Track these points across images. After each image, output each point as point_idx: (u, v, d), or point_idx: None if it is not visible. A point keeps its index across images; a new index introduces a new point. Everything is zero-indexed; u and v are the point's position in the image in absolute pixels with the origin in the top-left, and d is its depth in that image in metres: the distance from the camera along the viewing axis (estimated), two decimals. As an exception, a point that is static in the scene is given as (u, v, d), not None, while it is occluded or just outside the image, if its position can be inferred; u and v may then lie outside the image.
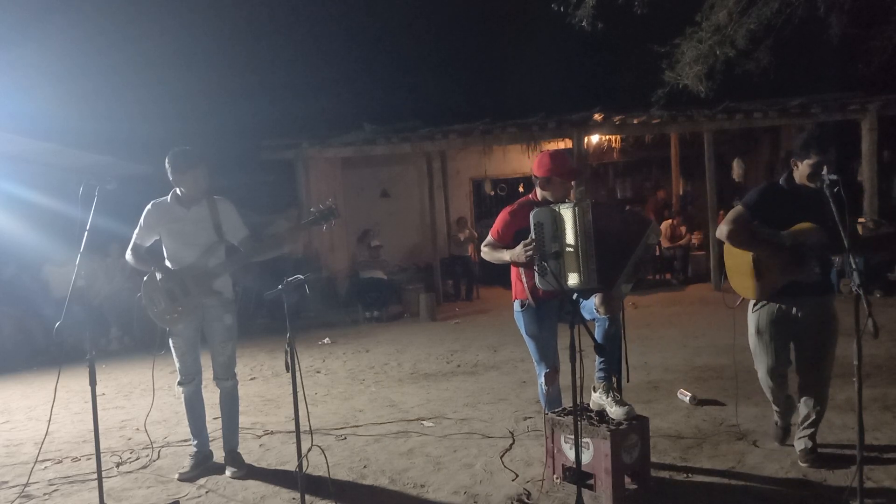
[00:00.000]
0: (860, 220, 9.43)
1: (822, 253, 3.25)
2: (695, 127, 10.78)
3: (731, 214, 3.40)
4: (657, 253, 11.25)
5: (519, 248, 3.36)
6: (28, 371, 7.49)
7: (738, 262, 3.46)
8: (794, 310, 3.39)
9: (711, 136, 10.60)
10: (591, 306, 3.32)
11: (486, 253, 3.63)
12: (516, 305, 3.63)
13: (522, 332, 3.64)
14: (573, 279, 3.28)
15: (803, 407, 3.50)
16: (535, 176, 3.61)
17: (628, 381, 3.57)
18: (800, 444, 3.50)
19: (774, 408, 3.71)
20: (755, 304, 3.49)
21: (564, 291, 3.13)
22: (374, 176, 13.09)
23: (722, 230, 3.38)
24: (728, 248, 3.50)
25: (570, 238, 3.28)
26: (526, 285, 3.52)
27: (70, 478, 3.96)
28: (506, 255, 3.49)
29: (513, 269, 3.62)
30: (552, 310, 3.53)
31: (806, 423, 3.49)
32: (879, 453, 3.51)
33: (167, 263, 3.84)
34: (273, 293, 3.25)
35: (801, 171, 3.30)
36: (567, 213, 3.29)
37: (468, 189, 13.67)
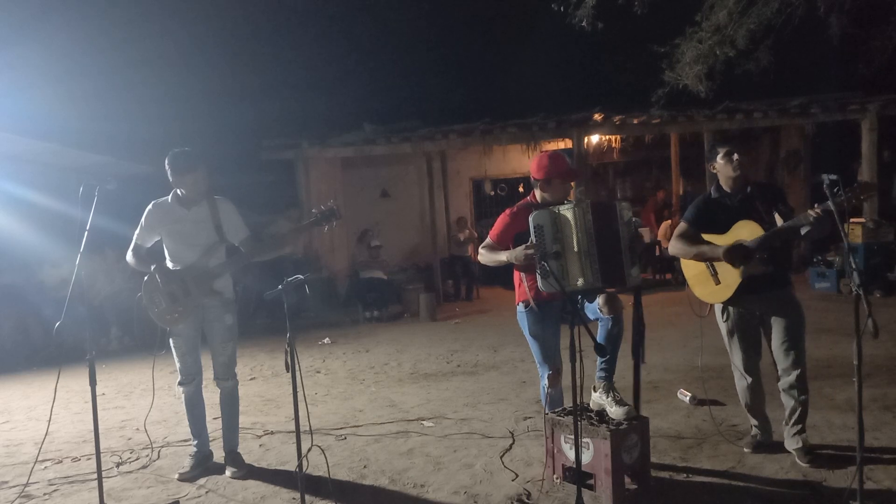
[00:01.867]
0: (859, 220, 9.43)
1: (762, 247, 3.38)
2: (695, 127, 10.78)
3: (676, 231, 3.70)
4: (651, 246, 11.21)
5: (518, 250, 3.35)
6: (28, 371, 7.49)
7: (696, 273, 3.69)
8: (756, 310, 3.57)
9: (711, 136, 10.60)
10: (596, 307, 3.32)
11: (484, 255, 3.62)
12: (519, 307, 3.62)
13: (526, 333, 3.64)
14: (578, 280, 3.28)
15: (787, 399, 3.54)
16: (534, 178, 3.60)
17: (644, 361, 3.65)
18: (793, 442, 3.53)
19: (752, 420, 3.76)
20: (722, 311, 3.68)
21: (566, 293, 3.12)
22: (374, 176, 13.08)
23: (671, 247, 3.71)
24: (685, 261, 3.73)
25: (571, 239, 3.27)
26: (528, 287, 3.51)
27: (70, 478, 3.96)
28: (503, 256, 3.48)
29: (515, 271, 3.62)
30: (555, 311, 3.52)
31: (794, 418, 3.52)
32: (879, 453, 3.51)
33: (168, 264, 3.84)
34: (273, 293, 3.25)
35: (721, 169, 3.58)
36: (568, 213, 3.29)
37: (468, 189, 13.67)
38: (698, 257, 3.59)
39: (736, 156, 3.52)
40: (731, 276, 3.50)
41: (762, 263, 3.41)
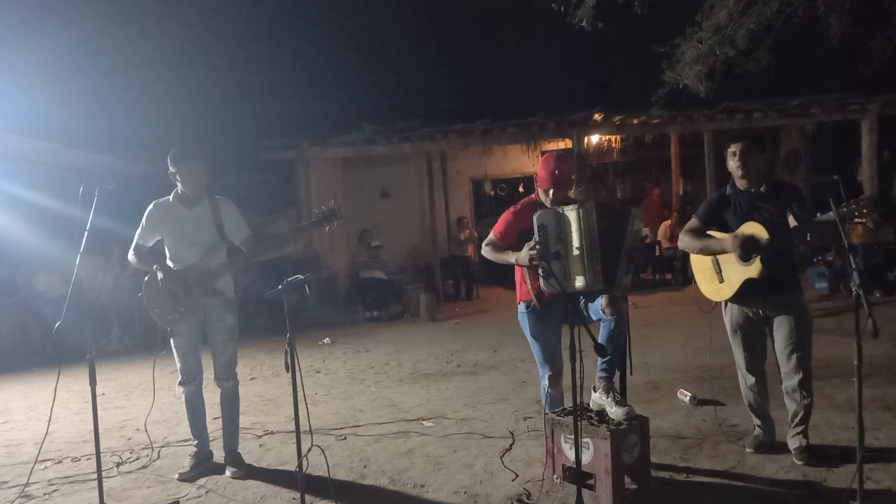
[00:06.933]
0: (860, 220, 9.43)
1: (768, 251, 3.32)
2: (695, 127, 10.78)
3: (686, 226, 3.69)
4: (651, 246, 11.22)
5: (524, 251, 3.35)
6: (28, 371, 7.49)
7: (703, 269, 3.69)
8: (761, 310, 3.54)
9: (711, 136, 10.60)
10: (598, 307, 3.32)
11: (488, 252, 3.62)
12: (521, 307, 3.62)
13: (527, 333, 3.64)
14: (579, 281, 3.28)
15: (790, 402, 3.53)
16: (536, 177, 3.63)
17: (631, 373, 3.62)
18: (793, 442, 3.53)
19: (755, 420, 3.75)
20: (725, 307, 3.68)
21: (567, 294, 3.12)
22: (374, 176, 13.09)
23: (679, 241, 3.73)
24: (693, 256, 3.72)
25: (574, 240, 3.27)
26: (531, 287, 3.51)
27: (70, 478, 3.95)
28: (511, 258, 3.48)
29: (517, 271, 3.61)
30: (556, 311, 3.52)
31: (796, 420, 3.52)
32: (879, 453, 3.51)
33: (169, 263, 3.84)
34: (273, 293, 3.25)
35: (731, 166, 3.54)
36: (571, 214, 3.28)
37: (468, 189, 13.67)
38: (704, 251, 3.59)
39: (737, 155, 3.46)
40: (734, 275, 3.48)
41: (765, 267, 3.33)
